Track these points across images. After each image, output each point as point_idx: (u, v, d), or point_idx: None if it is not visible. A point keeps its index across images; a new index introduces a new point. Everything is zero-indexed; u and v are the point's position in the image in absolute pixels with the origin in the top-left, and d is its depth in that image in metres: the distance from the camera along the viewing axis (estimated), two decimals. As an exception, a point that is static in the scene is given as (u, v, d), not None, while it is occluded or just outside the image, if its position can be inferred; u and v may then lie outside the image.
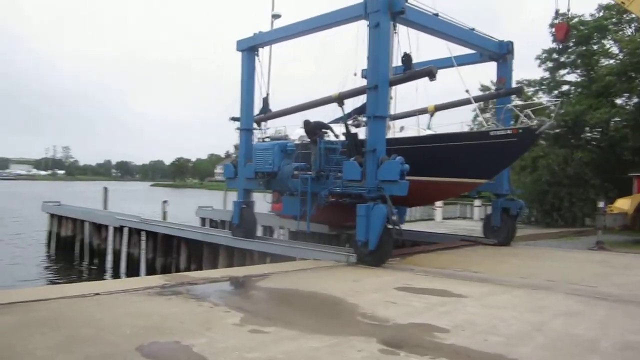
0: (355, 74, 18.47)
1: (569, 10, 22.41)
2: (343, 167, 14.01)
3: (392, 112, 19.15)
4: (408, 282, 10.30)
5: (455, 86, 16.70)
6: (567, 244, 18.86)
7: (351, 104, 17.34)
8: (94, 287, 9.43)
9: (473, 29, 16.67)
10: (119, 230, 22.26)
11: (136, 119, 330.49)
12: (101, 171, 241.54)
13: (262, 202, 19.91)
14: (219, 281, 10.27)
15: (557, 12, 26.69)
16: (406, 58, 14.75)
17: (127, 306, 7.78)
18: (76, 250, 25.09)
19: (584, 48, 29.88)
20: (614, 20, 29.48)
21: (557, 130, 29.60)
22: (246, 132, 17.87)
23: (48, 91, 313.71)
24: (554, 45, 30.17)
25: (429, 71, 14.12)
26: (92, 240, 23.83)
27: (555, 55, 30.86)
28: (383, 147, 13.40)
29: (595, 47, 30.17)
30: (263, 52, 18.42)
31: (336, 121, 17.03)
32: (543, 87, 31.91)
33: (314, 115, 17.03)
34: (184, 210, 38.08)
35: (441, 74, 15.33)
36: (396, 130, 18.06)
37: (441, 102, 19.40)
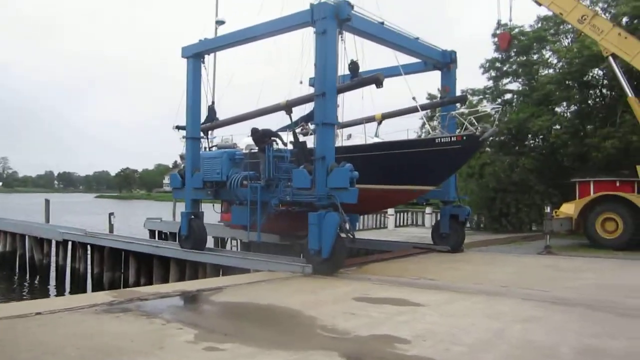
0: (301, 82, 18.49)
1: (510, 20, 23.14)
2: (292, 175, 13.88)
3: (339, 120, 19.46)
4: (365, 292, 10.21)
5: (402, 94, 16.82)
6: (517, 249, 19.31)
7: (298, 112, 17.35)
8: (35, 306, 8.89)
9: (417, 38, 16.95)
10: (62, 244, 21.25)
11: (79, 129, 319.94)
12: (42, 183, 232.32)
13: (212, 212, 19.48)
14: (170, 296, 9.89)
15: (499, 22, 27.62)
16: (353, 65, 14.86)
17: (72, 326, 7.33)
18: (16, 267, 23.83)
19: (525, 58, 30.96)
20: (551, 31, 30.71)
21: (502, 138, 30.49)
22: (193, 140, 17.44)
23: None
24: (496, 54, 31.16)
25: (376, 78, 14.24)
26: (33, 256, 22.66)
27: (498, 65, 31.81)
28: (332, 154, 13.37)
29: (535, 56, 31.30)
30: (209, 59, 18.16)
31: (284, 129, 16.91)
32: (487, 95, 32.80)
33: (262, 123, 16.91)
34: (131, 223, 37.03)
35: (388, 82, 15.63)
36: (344, 138, 18.07)
37: (388, 111, 19.67)
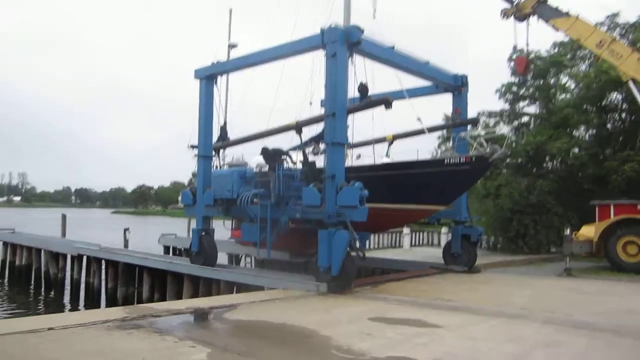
0: (310, 103, 18.67)
1: (527, 45, 23.00)
2: (302, 193, 13.91)
3: (350, 140, 19.64)
4: (382, 312, 10.00)
5: (414, 116, 16.84)
6: (536, 271, 18.90)
7: (308, 132, 17.37)
8: (48, 321, 8.83)
9: (427, 62, 17.19)
10: (77, 259, 21.29)
11: (97, 146, 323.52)
12: (59, 198, 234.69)
13: (222, 229, 19.51)
14: (183, 313, 9.79)
15: (515, 47, 27.54)
16: (362, 88, 15.23)
17: (84, 342, 7.23)
18: (32, 281, 23.91)
19: (542, 82, 30.84)
20: (568, 56, 30.62)
21: (519, 160, 30.21)
22: (204, 159, 17.73)
23: (3, 113, 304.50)
24: (513, 78, 31.04)
25: (385, 100, 14.43)
26: (48, 270, 22.73)
27: (514, 89, 31.70)
28: (342, 173, 13.52)
29: (552, 80, 31.16)
30: (221, 80, 18.55)
31: (294, 149, 17.07)
32: (504, 118, 32.64)
33: (273, 143, 17.08)
34: (146, 238, 37.09)
35: (399, 104, 16.09)
36: (353, 158, 18.26)
37: (401, 132, 19.75)
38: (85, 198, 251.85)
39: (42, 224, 62.85)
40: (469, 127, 18.86)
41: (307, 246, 15.02)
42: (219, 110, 18.44)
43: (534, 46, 31.67)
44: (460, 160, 14.92)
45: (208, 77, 17.83)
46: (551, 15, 19.90)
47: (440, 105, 19.39)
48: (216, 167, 19.21)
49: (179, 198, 19.14)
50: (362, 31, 14.21)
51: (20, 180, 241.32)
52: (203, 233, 17.07)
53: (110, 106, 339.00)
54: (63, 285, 22.00)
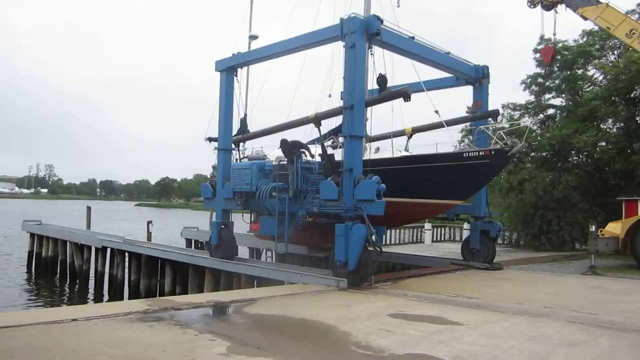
0: (330, 95, 18.51)
1: (554, 34, 22.51)
2: (320, 187, 13.90)
3: (369, 133, 19.54)
4: (402, 308, 9.94)
5: (439, 108, 16.60)
6: (560, 268, 18.59)
7: (327, 125, 17.37)
8: (72, 312, 8.98)
9: (449, 53, 16.89)
10: (101, 251, 21.65)
11: (121, 139, 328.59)
12: (85, 190, 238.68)
13: (242, 222, 19.66)
14: (204, 306, 9.87)
15: (541, 37, 26.98)
16: (381, 79, 14.95)
17: (106, 334, 7.33)
18: (57, 272, 24.40)
19: (569, 73, 30.14)
20: (597, 46, 29.81)
21: (544, 154, 29.68)
22: (224, 152, 17.71)
23: (32, 108, 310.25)
24: (539, 70, 30.43)
25: (403, 92, 14.22)
26: (74, 261, 23.16)
27: (540, 80, 31.07)
28: (360, 166, 13.38)
29: (579, 72, 30.44)
30: (241, 72, 18.48)
31: (313, 142, 16.98)
32: (529, 110, 32.05)
33: (292, 135, 17.07)
34: (169, 231, 37.53)
35: (422, 96, 15.95)
36: (372, 151, 18.26)
37: (420, 125, 19.66)
38: (110, 190, 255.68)
39: (68, 215, 64.10)
40: (489, 119, 18.42)
41: (325, 240, 15.00)
42: (238, 102, 18.47)
43: (562, 36, 30.97)
44: (479, 153, 14.71)
45: (228, 69, 17.78)
46: (580, 3, 19.41)
47: (463, 97, 19.04)
48: (236, 160, 19.23)
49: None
50: (382, 21, 14.01)
51: (47, 173, 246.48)
52: (222, 226, 17.17)
53: (134, 99, 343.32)
54: (88, 277, 22.41)
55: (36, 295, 21.71)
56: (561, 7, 20.11)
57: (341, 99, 18.06)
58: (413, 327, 8.34)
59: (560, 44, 28.93)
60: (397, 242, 29.08)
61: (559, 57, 27.92)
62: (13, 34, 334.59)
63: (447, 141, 16.60)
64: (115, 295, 20.21)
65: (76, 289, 22.29)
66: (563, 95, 31.51)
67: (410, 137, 19.71)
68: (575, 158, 30.56)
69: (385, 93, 15.14)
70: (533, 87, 31.36)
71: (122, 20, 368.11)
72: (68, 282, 23.23)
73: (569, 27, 25.70)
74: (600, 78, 29.80)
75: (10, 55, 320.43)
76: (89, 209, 31.99)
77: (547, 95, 31.90)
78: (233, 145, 18.77)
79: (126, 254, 20.41)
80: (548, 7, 20.31)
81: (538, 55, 29.10)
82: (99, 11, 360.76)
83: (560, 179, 27.31)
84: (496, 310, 10.13)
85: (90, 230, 28.96)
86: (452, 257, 19.17)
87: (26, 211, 69.85)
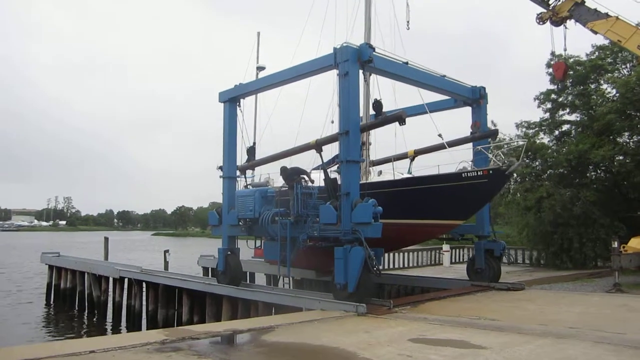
0: (332, 122, 18.85)
1: (565, 50, 22.43)
2: (319, 211, 14.22)
3: (372, 157, 20.55)
4: (422, 333, 9.75)
5: (448, 129, 17.51)
6: (583, 287, 18.18)
7: (331, 150, 17.60)
8: (90, 344, 8.94)
9: (444, 76, 17.29)
10: (119, 281, 21.68)
11: (137, 169, 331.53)
12: (103, 221, 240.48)
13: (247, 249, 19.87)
14: (222, 335, 9.77)
15: (552, 53, 26.92)
16: (377, 104, 15.50)
17: (124, 366, 7.25)
18: (76, 303, 24.45)
19: (582, 88, 29.93)
20: (609, 59, 29.63)
21: (561, 170, 29.30)
22: (229, 180, 18.25)
23: (48, 142, 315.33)
24: (551, 86, 30.27)
25: (398, 116, 14.71)
26: (92, 292, 23.21)
27: (553, 96, 30.87)
28: (357, 190, 13.69)
29: (592, 86, 30.21)
30: (250, 101, 19.63)
31: (318, 168, 17.28)
32: (543, 127, 31.79)
33: (299, 161, 17.61)
34: (186, 260, 37.54)
35: (422, 118, 16.77)
36: (375, 174, 18.85)
37: (422, 147, 19.92)
38: (127, 220, 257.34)
39: (86, 247, 64.53)
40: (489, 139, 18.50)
41: (328, 264, 14.96)
42: (242, 131, 18.99)
43: (573, 51, 30.81)
44: (478, 173, 15.02)
45: (231, 100, 18.43)
46: (589, 17, 19.35)
47: (465, 118, 19.41)
48: (244, 187, 19.62)
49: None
50: (374, 49, 14.54)
51: (65, 205, 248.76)
52: (229, 252, 17.57)
53: (149, 128, 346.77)
54: (106, 308, 22.41)
55: (55, 327, 21.74)
56: (570, 22, 20.08)
57: None
58: (435, 352, 8.15)
59: (571, 59, 28.81)
60: (416, 264, 28.74)
61: (571, 72, 27.78)
62: (31, 68, 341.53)
63: (449, 162, 16.75)
64: (133, 325, 20.16)
65: (94, 320, 22.29)
66: (578, 111, 31.22)
67: (413, 159, 19.99)
68: (593, 173, 30.14)
69: (381, 118, 15.76)
70: (547, 103, 31.15)
71: (139, 51, 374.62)
72: (86, 313, 23.24)
73: (580, 41, 25.66)
74: (614, 92, 29.55)
75: (26, 90, 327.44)
76: (106, 239, 32.18)
77: (562, 112, 31.65)
78: (239, 173, 19.24)
79: (144, 284, 20.42)
80: (557, 23, 20.29)
81: (550, 70, 28.97)
82: (117, 45, 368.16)
83: (579, 195, 26.89)
84: (520, 332, 9.88)
85: (108, 260, 29.09)
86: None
87: (45, 243, 70.55)
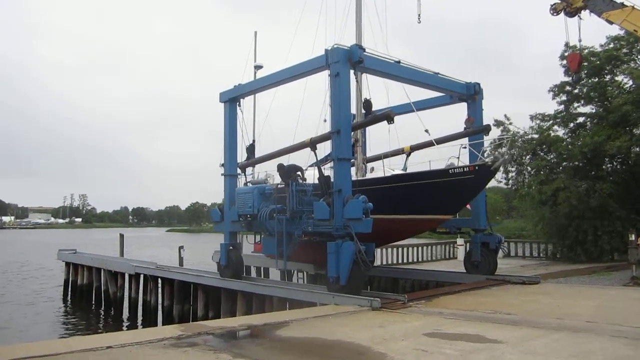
0: (325, 120, 19.12)
1: (580, 41, 22.10)
2: (314, 208, 14.81)
3: (369, 154, 21.11)
4: (437, 327, 9.72)
5: (437, 124, 17.78)
6: (600, 280, 18.00)
7: (324, 148, 17.88)
8: (106, 339, 9.03)
9: (437, 73, 17.74)
10: (135, 277, 21.87)
11: (152, 166, 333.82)
12: (118, 218, 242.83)
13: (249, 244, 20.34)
14: (237, 330, 9.82)
15: (566, 44, 26.57)
16: (367, 104, 16.34)
17: (141, 361, 7.32)
18: (92, 299, 24.72)
19: (597, 79, 29.52)
20: (624, 50, 29.18)
21: (576, 163, 28.98)
22: (230, 177, 19.03)
23: (64, 139, 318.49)
24: (566, 78, 29.88)
25: (386, 115, 15.19)
26: (108, 288, 23.44)
27: (568, 88, 30.49)
28: (348, 187, 14.33)
29: (607, 77, 29.78)
30: (249, 101, 20.31)
31: (314, 165, 17.52)
32: (557, 120, 31.44)
33: (297, 158, 18.08)
34: (200, 255, 37.73)
35: (422, 113, 17.39)
36: (368, 171, 19.54)
37: (417, 143, 20.11)
38: (141, 217, 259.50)
39: (102, 243, 65.15)
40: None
41: (323, 258, 15.51)
42: (243, 130, 19.69)
43: (588, 42, 30.36)
44: (464, 169, 15.58)
45: (231, 100, 19.16)
46: (604, 7, 19.02)
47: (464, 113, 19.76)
48: (244, 184, 20.21)
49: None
50: (364, 49, 15.09)
51: (81, 202, 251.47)
52: (230, 247, 18.41)
53: (164, 125, 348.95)
54: (122, 304, 22.63)
55: (72, 323, 22.01)
56: (585, 13, 19.78)
57: None
58: (450, 347, 8.12)
59: (586, 51, 28.42)
60: (429, 258, 28.67)
61: (585, 63, 27.41)
62: (44, 65, 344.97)
63: (445, 158, 17.12)
64: (149, 321, 20.34)
65: (111, 316, 22.53)
66: (592, 103, 30.83)
67: (408, 155, 20.28)
68: (609, 165, 29.77)
69: (370, 117, 16.55)
70: (561, 95, 30.79)
71: (156, 44, 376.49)
72: (103, 309, 23.49)
73: (595, 32, 25.34)
74: (630, 83, 29.11)
75: (35, 89, 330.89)
76: (121, 236, 32.47)
77: (576, 104, 31.27)
78: (239, 171, 19.90)
79: (159, 280, 20.56)
80: (572, 14, 19.98)
81: (565, 62, 28.62)
82: (132, 39, 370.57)
83: (595, 187, 26.59)
84: (536, 326, 9.81)
85: (124, 257, 29.35)
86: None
87: (61, 241, 71.34)
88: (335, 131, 14.59)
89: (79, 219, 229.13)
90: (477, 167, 15.32)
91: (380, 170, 19.06)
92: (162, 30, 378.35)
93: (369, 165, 20.39)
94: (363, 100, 16.36)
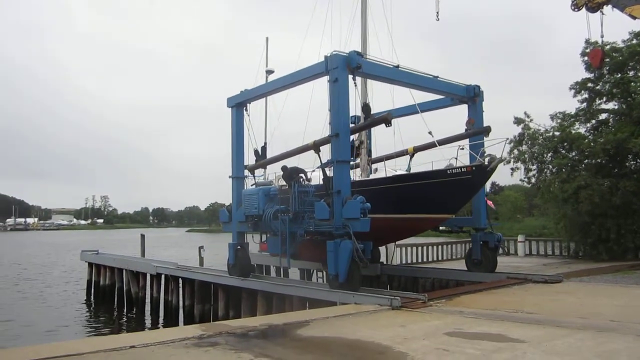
0: (330, 123, 19.30)
1: (602, 36, 21.72)
2: (315, 208, 15.33)
3: (374, 155, 21.94)
4: (458, 326, 9.67)
5: (443, 125, 19.23)
6: (624, 279, 17.67)
7: (327, 151, 18.29)
8: (130, 339, 9.15)
9: (437, 77, 18.15)
10: (156, 277, 22.12)
11: (172, 167, 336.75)
12: (139, 219, 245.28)
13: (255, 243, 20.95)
14: (257, 330, 9.86)
15: (587, 40, 26.16)
16: (365, 107, 17.00)
17: (164, 360, 7.41)
18: (115, 299, 25.04)
19: (619, 75, 29.01)
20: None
21: (598, 160, 28.54)
22: (237, 179, 19.69)
23: (83, 141, 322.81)
24: (587, 74, 29.42)
25: (384, 118, 15.89)
26: (130, 289, 23.74)
27: (590, 85, 30.01)
28: (347, 188, 14.90)
29: (631, 73, 29.24)
30: (260, 104, 21.23)
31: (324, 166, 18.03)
32: (579, 117, 30.97)
33: (306, 160, 18.62)
34: (220, 255, 37.97)
35: (426, 116, 18.24)
36: (372, 172, 20.29)
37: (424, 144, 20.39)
38: (162, 217, 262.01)
39: (123, 244, 65.97)
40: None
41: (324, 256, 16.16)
42: (250, 133, 20.27)
43: (610, 38, 29.84)
44: (462, 169, 16.07)
45: (238, 105, 19.70)
46: (627, 2, 18.65)
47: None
48: (251, 186, 20.72)
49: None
50: (362, 56, 15.73)
51: (103, 203, 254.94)
52: (238, 247, 18.86)
53: (184, 126, 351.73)
54: (144, 303, 22.89)
55: (95, 323, 22.35)
56: (607, 8, 19.43)
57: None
58: (472, 346, 8.07)
59: (607, 46, 27.94)
60: (450, 257, 28.47)
61: (607, 59, 26.96)
62: (62, 68, 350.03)
63: (444, 159, 17.75)
64: (171, 320, 20.55)
65: (133, 316, 22.81)
66: (615, 100, 30.30)
67: (412, 156, 20.56)
68: (632, 162, 29.26)
69: (369, 120, 17.34)
70: (583, 92, 30.32)
71: (169, 41, 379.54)
72: (125, 309, 23.79)
73: (617, 28, 24.91)
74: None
75: (62, 89, 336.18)
76: (142, 237, 32.82)
77: (598, 100, 30.77)
78: (248, 172, 20.52)
79: (180, 280, 20.76)
80: (593, 9, 19.60)
81: (586, 59, 28.20)
82: (143, 41, 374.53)
83: (618, 185, 26.16)
84: (559, 325, 9.70)
85: (145, 257, 29.67)
86: (507, 272, 18.57)
87: (83, 241, 72.40)
88: (335, 134, 15.12)
89: (101, 220, 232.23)
90: (474, 168, 15.90)
91: (382, 171, 19.72)
92: (185, 32, 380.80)
93: (374, 166, 21.06)
94: (362, 105, 16.98)
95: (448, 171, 16.39)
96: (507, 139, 17.15)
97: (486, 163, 15.79)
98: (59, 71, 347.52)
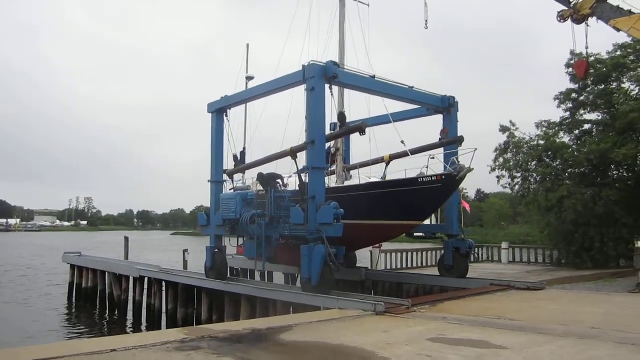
0: (306, 131, 19.57)
1: (587, 48, 22.01)
2: (290, 213, 15.66)
3: (351, 162, 22.68)
4: (441, 333, 9.69)
5: (419, 134, 19.90)
6: (605, 287, 17.89)
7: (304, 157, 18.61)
8: (110, 342, 9.01)
9: (412, 87, 18.59)
10: (139, 280, 21.91)
11: (156, 170, 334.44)
12: (123, 221, 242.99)
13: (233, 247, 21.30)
14: (241, 334, 9.79)
15: (572, 52, 26.51)
16: (341, 116, 17.63)
17: (145, 364, 7.32)
18: (97, 302, 24.76)
19: (603, 87, 29.42)
20: (632, 57, 29.07)
21: (582, 170, 28.88)
22: (216, 184, 19.97)
23: (71, 142, 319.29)
24: (572, 85, 29.81)
25: (359, 127, 16.45)
26: (112, 292, 23.48)
27: (574, 95, 30.39)
28: (322, 194, 15.25)
29: (614, 85, 29.67)
30: (240, 110, 21.71)
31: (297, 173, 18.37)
32: (563, 127, 31.33)
33: (284, 166, 18.99)
34: (204, 259, 37.77)
35: (402, 124, 19.34)
36: (347, 179, 20.72)
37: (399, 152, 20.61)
38: (146, 220, 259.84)
39: (107, 246, 65.35)
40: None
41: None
42: (230, 139, 20.60)
43: (594, 50, 30.26)
44: (432, 178, 16.57)
45: (218, 111, 20.03)
46: (612, 14, 18.91)
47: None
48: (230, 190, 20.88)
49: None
50: (339, 66, 16.11)
51: (87, 205, 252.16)
52: (216, 250, 19.11)
53: (169, 130, 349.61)
54: (126, 307, 22.66)
55: (77, 326, 22.06)
56: (592, 20, 19.70)
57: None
58: (454, 352, 8.09)
59: (592, 58, 28.33)
60: (434, 263, 28.51)
61: (592, 70, 27.33)
62: (49, 67, 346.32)
63: (418, 167, 17.99)
64: (153, 324, 20.37)
65: (115, 319, 22.55)
66: (599, 110, 30.70)
67: (388, 164, 20.88)
68: (615, 172, 29.65)
69: (344, 129, 17.87)
70: (567, 103, 30.70)
71: (157, 43, 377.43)
72: (107, 312, 23.51)
73: (602, 39, 25.24)
74: (637, 90, 28.99)
75: (47, 88, 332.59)
76: (126, 239, 32.55)
77: (582, 111, 31.16)
78: (227, 177, 20.76)
79: (163, 283, 20.60)
80: (579, 21, 19.87)
81: (571, 69, 28.57)
82: (133, 45, 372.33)
83: (601, 194, 26.49)
84: (541, 332, 9.76)
85: (128, 260, 29.40)
86: (491, 278, 18.70)
87: (66, 243, 71.59)
88: (310, 142, 15.44)
89: (85, 222, 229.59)
90: (444, 177, 16.34)
91: (356, 178, 20.23)
92: (173, 34, 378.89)
93: (351, 173, 21.48)
94: (338, 113, 17.34)
95: (419, 180, 16.87)
96: (476, 149, 17.39)
97: (455, 172, 16.21)
98: (45, 70, 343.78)
